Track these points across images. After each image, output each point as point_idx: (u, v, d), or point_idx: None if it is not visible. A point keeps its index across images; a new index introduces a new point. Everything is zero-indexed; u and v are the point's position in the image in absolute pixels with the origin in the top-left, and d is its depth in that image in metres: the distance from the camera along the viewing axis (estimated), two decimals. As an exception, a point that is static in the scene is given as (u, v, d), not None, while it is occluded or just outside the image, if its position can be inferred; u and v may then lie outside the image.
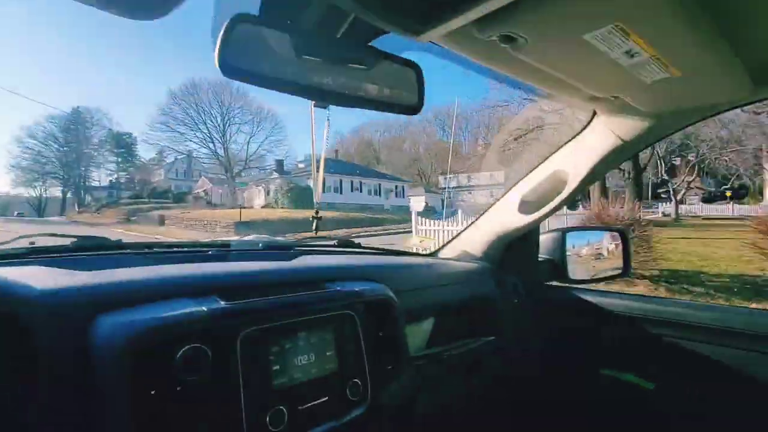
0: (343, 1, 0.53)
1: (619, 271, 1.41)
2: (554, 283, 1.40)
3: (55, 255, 0.78)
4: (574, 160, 1.14)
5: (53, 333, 0.54)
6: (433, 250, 1.51)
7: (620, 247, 1.43)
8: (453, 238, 1.46)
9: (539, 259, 1.40)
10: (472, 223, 1.41)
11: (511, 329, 1.26)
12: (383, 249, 1.33)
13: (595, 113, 1.05)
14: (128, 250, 0.88)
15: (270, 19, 0.57)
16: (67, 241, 0.83)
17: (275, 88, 0.58)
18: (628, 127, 1.01)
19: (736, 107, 0.93)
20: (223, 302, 0.65)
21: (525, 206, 1.26)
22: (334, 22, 0.63)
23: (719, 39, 0.65)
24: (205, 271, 0.77)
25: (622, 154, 1.08)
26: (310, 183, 28.66)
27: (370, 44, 0.65)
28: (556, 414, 1.32)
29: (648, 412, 1.13)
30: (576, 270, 1.46)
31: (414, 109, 0.70)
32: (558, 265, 1.39)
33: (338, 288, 0.82)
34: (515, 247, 1.36)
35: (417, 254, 1.54)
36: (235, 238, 1.29)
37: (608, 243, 1.51)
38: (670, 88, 0.79)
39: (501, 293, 1.27)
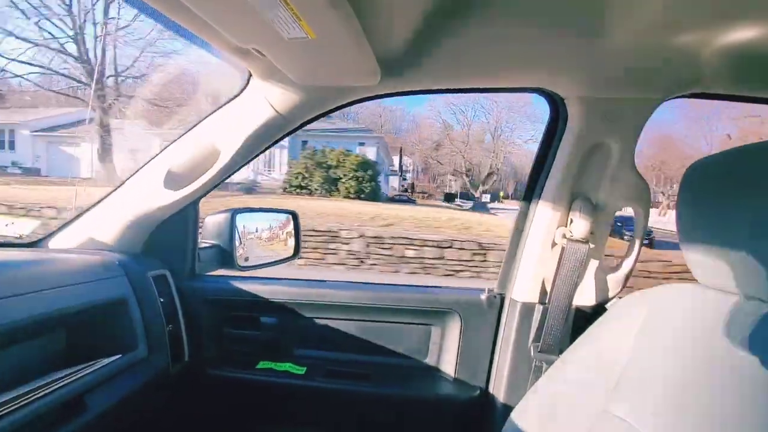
0: None
1: (290, 254, 1.38)
2: (221, 272, 1.21)
3: None
4: (229, 128, 0.96)
5: None
6: (39, 235, 1.02)
7: (292, 230, 1.40)
8: (73, 220, 1.03)
9: (202, 246, 1.18)
10: (102, 199, 1.02)
11: (158, 334, 0.98)
12: None
13: (251, 75, 0.90)
14: None
15: None
16: None
17: None
18: (282, 97, 0.90)
19: (371, 98, 0.97)
20: None
21: (173, 180, 1.00)
22: None
23: (351, 10, 0.57)
24: None
25: (280, 128, 0.98)
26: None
27: None
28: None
29: (302, 398, 1.12)
30: (250, 256, 1.33)
31: None
32: (226, 251, 1.21)
33: None
34: (165, 231, 1.08)
35: (7, 245, 1.01)
36: None
37: (284, 225, 1.47)
38: (308, 54, 0.70)
39: (138, 292, 0.96)
